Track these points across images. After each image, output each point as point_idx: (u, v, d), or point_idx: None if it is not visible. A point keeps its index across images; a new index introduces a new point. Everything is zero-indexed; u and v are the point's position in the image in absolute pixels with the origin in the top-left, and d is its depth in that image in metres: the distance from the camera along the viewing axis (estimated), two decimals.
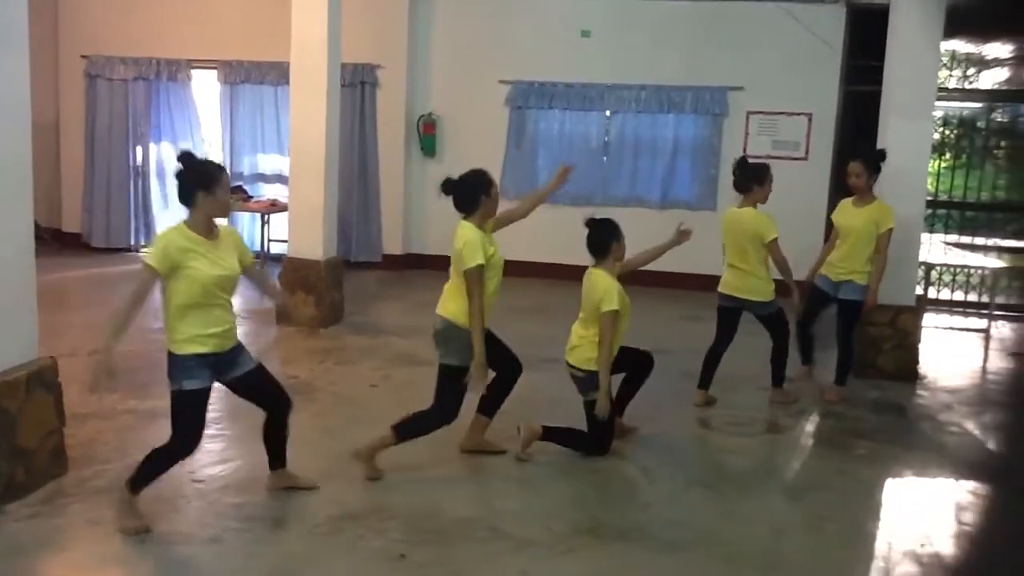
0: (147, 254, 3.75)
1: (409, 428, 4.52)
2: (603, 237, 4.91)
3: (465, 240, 4.43)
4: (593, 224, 4.95)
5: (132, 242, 10.86)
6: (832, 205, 9.00)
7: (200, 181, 3.82)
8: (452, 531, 4.01)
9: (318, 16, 7.33)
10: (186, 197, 3.83)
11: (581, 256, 10.64)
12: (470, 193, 4.54)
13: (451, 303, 4.57)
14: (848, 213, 6.12)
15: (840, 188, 9.23)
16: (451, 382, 4.50)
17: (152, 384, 5.85)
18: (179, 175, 3.87)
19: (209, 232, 3.87)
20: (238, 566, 3.66)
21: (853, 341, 6.17)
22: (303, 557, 3.74)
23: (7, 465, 4.00)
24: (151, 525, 3.84)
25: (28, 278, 4.22)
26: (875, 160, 6.01)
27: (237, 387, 4.05)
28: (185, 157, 3.91)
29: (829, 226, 9.35)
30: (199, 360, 3.82)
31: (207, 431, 4.81)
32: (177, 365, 3.81)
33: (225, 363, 3.93)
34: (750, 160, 5.95)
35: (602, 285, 4.78)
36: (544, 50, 9.98)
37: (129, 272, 9.78)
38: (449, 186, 4.54)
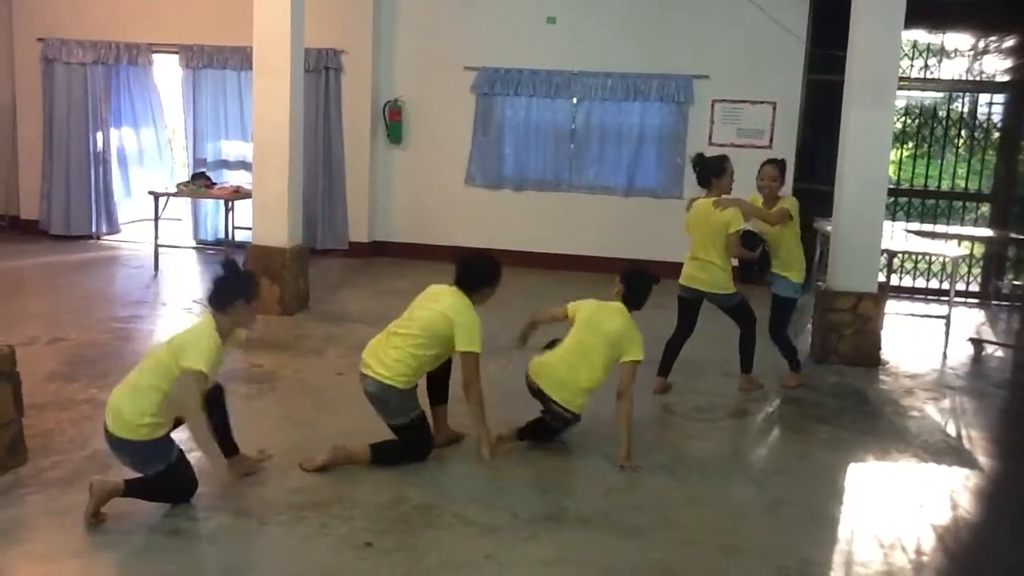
0: (196, 361, 3.72)
1: (383, 454, 4.46)
2: (644, 291, 4.81)
3: (473, 320, 4.40)
4: (638, 275, 4.83)
5: (93, 230, 10.69)
6: (796, 191, 9.11)
7: (245, 290, 3.91)
8: (417, 518, 4.00)
9: (281, 0, 7.25)
10: (223, 303, 3.87)
11: (546, 244, 10.67)
12: (477, 277, 4.53)
13: (394, 365, 4.38)
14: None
15: (803, 175, 9.35)
16: (408, 433, 4.47)
17: (112, 373, 5.78)
18: (222, 281, 3.89)
19: (225, 337, 3.93)
20: (200, 557, 3.63)
21: (787, 333, 6.19)
22: (267, 546, 3.72)
23: None
24: (106, 519, 3.80)
25: None
26: (784, 167, 6.09)
27: None
28: (231, 265, 3.96)
29: None
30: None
31: None
32: (159, 448, 3.82)
33: None
34: (708, 155, 5.99)
35: (629, 333, 4.67)
36: (510, 36, 9.95)
37: (89, 260, 9.65)
38: (466, 256, 4.61)
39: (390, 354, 4.41)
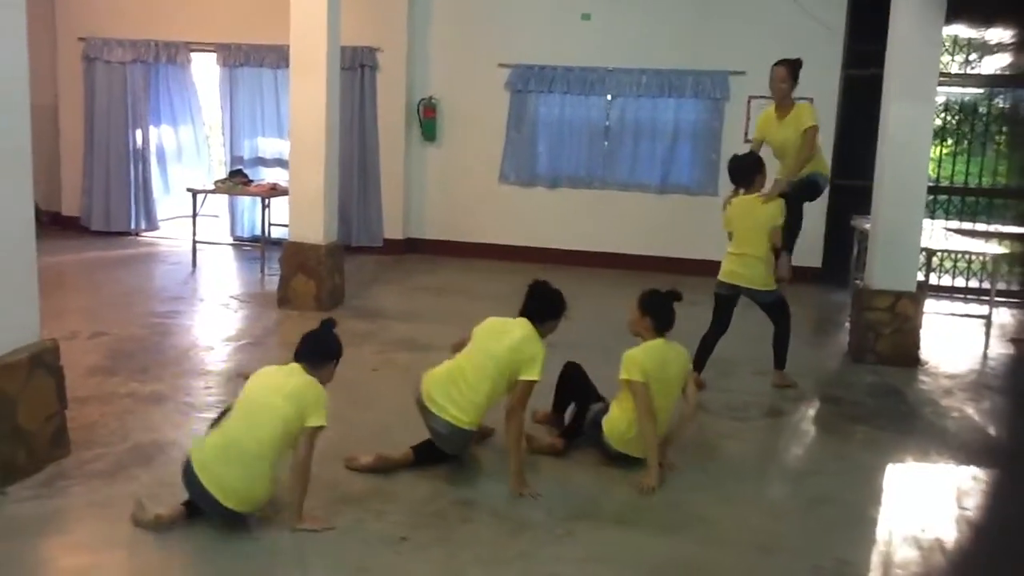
0: (322, 418, 3.78)
1: (425, 454, 4.43)
2: (670, 310, 4.66)
3: (543, 352, 4.32)
4: (658, 299, 4.67)
5: (132, 226, 10.84)
6: (834, 188, 9.01)
7: (338, 353, 3.99)
8: (452, 514, 4.03)
9: None
10: (319, 361, 3.91)
11: (580, 241, 10.64)
12: (545, 310, 4.47)
13: (471, 409, 4.32)
14: (772, 127, 6.05)
15: (841, 172, 9.24)
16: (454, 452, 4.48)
17: (152, 368, 5.88)
18: (324, 340, 3.96)
19: None
20: (239, 548, 3.67)
21: (797, 226, 6.02)
22: (304, 540, 3.75)
23: (8, 447, 4.00)
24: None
25: (29, 261, 4.21)
26: (797, 67, 5.96)
27: None
28: (330, 323, 4.03)
29: (830, 208, 9.41)
30: None
31: (209, 415, 4.84)
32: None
33: None
34: (740, 153, 5.96)
35: (688, 361, 4.66)
36: (544, 33, 9.94)
37: (128, 256, 9.79)
38: (536, 286, 4.55)
39: (466, 397, 4.31)
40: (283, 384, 3.81)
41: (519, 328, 4.40)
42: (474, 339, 4.49)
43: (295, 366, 3.89)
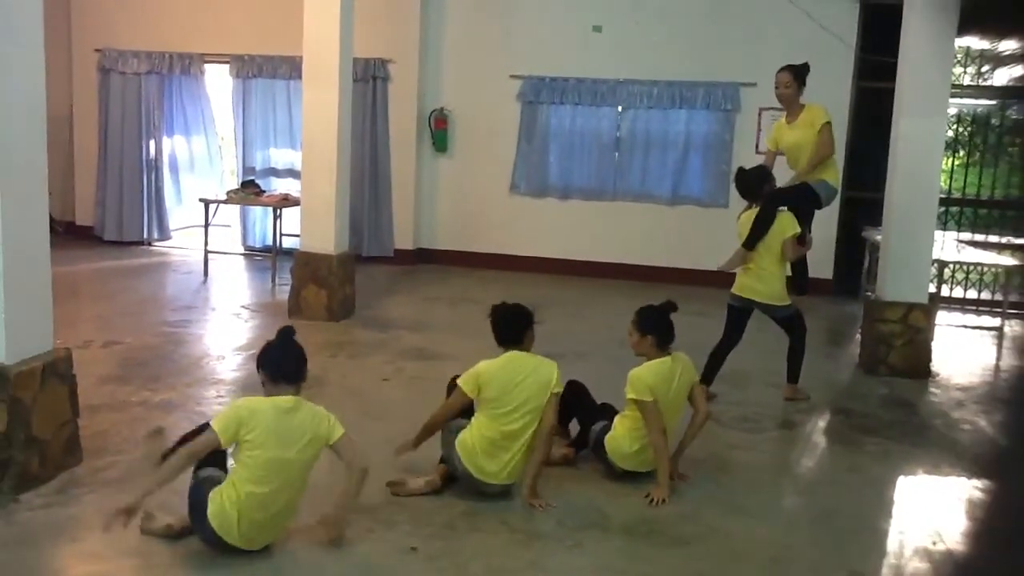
0: (339, 427, 3.71)
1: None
2: (670, 324, 4.60)
3: (554, 364, 4.28)
4: (655, 314, 4.62)
5: (145, 236, 10.90)
6: (845, 200, 9.00)
7: (305, 360, 3.83)
8: (462, 524, 4.03)
9: (330, 10, 7.34)
10: (301, 374, 3.77)
11: (590, 252, 10.64)
12: (517, 328, 4.36)
13: (523, 462, 4.26)
14: (783, 132, 6.04)
15: (853, 184, 9.23)
16: None
17: (164, 377, 5.91)
18: (294, 349, 3.79)
19: None
20: (250, 558, 3.67)
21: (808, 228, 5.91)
22: (313, 549, 3.76)
23: (22, 455, 4.03)
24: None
25: (43, 270, 4.24)
26: (802, 72, 5.92)
27: None
28: (290, 330, 3.86)
29: (842, 220, 9.39)
30: None
31: None
32: None
33: None
34: (746, 167, 5.95)
35: (695, 374, 4.66)
36: (555, 45, 9.98)
37: (141, 265, 9.85)
38: (496, 313, 4.43)
39: (519, 454, 4.23)
40: (294, 432, 3.63)
41: (526, 362, 4.28)
42: (496, 401, 4.20)
43: (290, 399, 3.66)
